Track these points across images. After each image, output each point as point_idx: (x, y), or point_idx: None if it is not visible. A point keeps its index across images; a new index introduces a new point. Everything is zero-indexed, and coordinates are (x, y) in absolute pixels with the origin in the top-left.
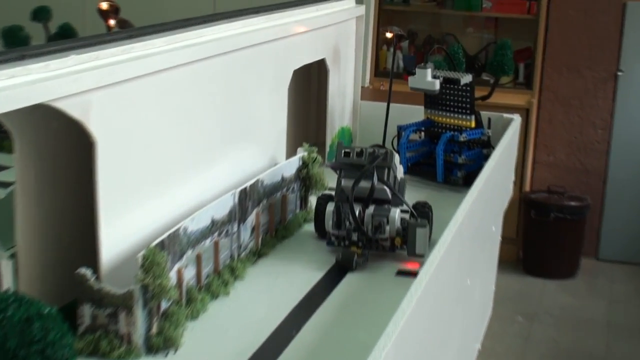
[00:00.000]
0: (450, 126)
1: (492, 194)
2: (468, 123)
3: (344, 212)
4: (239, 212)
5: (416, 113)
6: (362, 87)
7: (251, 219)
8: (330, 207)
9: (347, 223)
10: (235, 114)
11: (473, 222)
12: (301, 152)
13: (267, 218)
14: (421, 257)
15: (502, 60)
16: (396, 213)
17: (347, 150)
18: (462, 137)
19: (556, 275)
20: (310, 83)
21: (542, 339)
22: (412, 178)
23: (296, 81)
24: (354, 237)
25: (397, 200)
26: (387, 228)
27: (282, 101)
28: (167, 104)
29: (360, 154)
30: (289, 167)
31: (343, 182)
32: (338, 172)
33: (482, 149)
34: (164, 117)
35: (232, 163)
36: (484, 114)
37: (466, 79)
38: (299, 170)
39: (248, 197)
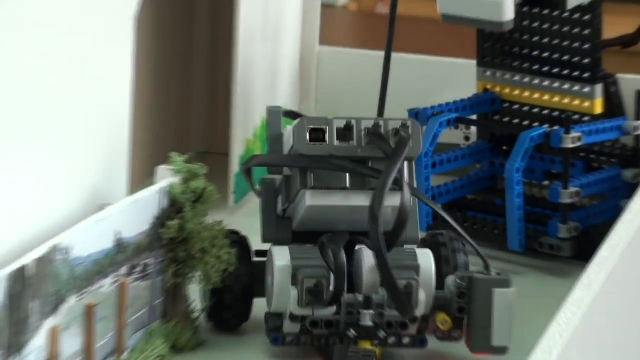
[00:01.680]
0: (540, 112)
1: None
2: (586, 103)
3: (337, 266)
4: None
5: (456, 77)
6: (325, 6)
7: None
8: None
9: (344, 294)
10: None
11: None
12: (165, 177)
13: (78, 343)
14: (501, 354)
15: None
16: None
17: (317, 125)
18: (573, 139)
19: None
20: (194, 23)
21: None
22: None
23: (161, 20)
24: (366, 320)
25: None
26: (421, 297)
27: (120, 59)
28: None
29: (349, 129)
30: (137, 213)
31: (311, 198)
32: (286, 180)
33: (621, 167)
34: None
35: None
36: (628, 81)
37: None
38: (160, 221)
39: (25, 290)
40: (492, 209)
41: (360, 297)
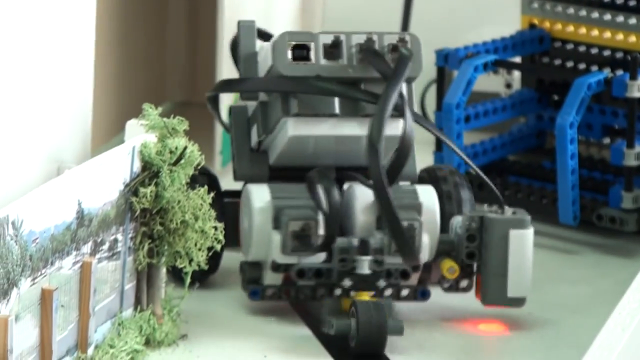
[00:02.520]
0: (599, 53)
1: None
2: None
3: (331, 205)
4: None
5: (495, 9)
6: None
7: None
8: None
9: (347, 238)
10: None
11: None
12: (136, 134)
13: (33, 336)
14: (518, 306)
15: None
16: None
17: (300, 41)
18: None
19: None
20: None
21: None
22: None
23: None
24: (364, 268)
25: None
26: (425, 241)
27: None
28: None
29: (337, 45)
30: (102, 178)
31: (294, 127)
32: (261, 107)
33: None
34: None
35: None
36: None
37: None
38: (131, 188)
39: None
40: (540, 173)
41: (355, 242)
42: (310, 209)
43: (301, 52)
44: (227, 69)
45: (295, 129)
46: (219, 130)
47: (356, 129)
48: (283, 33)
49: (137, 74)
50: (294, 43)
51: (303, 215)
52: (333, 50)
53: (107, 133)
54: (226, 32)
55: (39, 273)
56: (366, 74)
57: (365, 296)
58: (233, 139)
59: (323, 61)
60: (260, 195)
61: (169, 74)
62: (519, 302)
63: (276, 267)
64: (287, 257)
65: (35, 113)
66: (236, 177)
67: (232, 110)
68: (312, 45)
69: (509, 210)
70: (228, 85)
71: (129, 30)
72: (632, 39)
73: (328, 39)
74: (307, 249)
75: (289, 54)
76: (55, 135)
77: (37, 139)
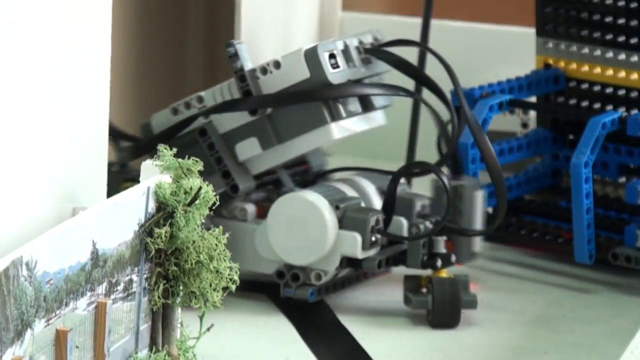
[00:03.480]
0: (614, 92)
1: None
2: None
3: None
4: None
5: (511, 50)
6: None
7: None
8: None
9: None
10: None
11: None
12: (151, 174)
13: None
14: (476, 258)
15: None
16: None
17: (330, 50)
18: None
19: None
20: None
21: None
22: (493, 248)
23: None
24: (441, 246)
25: None
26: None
27: (98, 40)
28: None
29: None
30: (117, 218)
31: (337, 130)
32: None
33: None
34: None
35: None
36: None
37: None
38: (146, 228)
39: None
40: (555, 212)
41: (428, 224)
42: (364, 203)
43: (333, 60)
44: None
45: (339, 132)
46: None
47: (382, 120)
48: (318, 45)
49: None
50: (328, 53)
51: (373, 211)
52: (346, 54)
53: None
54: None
55: (54, 314)
56: (373, 71)
57: (443, 273)
58: (223, 157)
59: (345, 65)
60: (320, 200)
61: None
62: (477, 256)
63: (352, 263)
64: (366, 252)
65: (51, 154)
66: (237, 192)
67: (205, 130)
68: (335, 52)
69: (463, 176)
70: (263, 100)
71: (148, 58)
72: None
73: (341, 45)
74: (380, 241)
75: (329, 63)
76: (70, 176)
77: (51, 180)
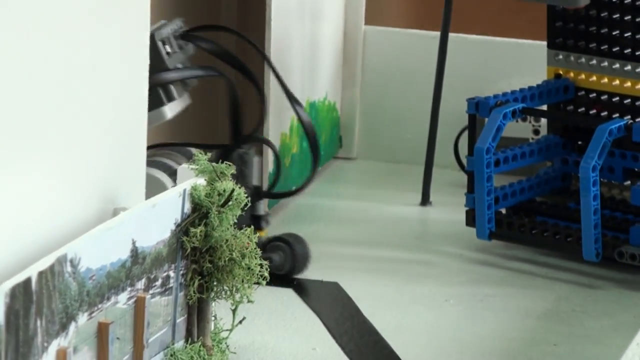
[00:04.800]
0: (620, 101)
1: None
2: None
3: None
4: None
5: (523, 61)
6: None
7: None
8: None
9: None
10: None
11: None
12: (187, 177)
13: None
14: None
15: None
16: None
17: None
18: None
19: None
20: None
21: None
22: (507, 246)
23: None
24: None
25: None
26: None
27: (137, 55)
28: None
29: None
30: (155, 218)
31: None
32: None
33: None
34: None
35: None
36: None
37: None
38: (182, 228)
39: (29, 307)
40: (565, 213)
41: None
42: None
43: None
44: (275, 119)
45: (171, 111)
46: (265, 174)
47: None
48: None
49: (190, 121)
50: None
51: None
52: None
53: None
54: (272, 85)
55: (96, 308)
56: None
57: (264, 233)
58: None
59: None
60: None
61: (218, 120)
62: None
63: None
64: None
65: (94, 159)
66: None
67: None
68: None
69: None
70: None
71: None
72: None
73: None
74: None
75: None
76: (112, 179)
77: (94, 183)
